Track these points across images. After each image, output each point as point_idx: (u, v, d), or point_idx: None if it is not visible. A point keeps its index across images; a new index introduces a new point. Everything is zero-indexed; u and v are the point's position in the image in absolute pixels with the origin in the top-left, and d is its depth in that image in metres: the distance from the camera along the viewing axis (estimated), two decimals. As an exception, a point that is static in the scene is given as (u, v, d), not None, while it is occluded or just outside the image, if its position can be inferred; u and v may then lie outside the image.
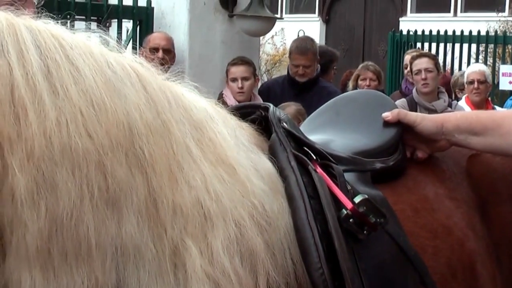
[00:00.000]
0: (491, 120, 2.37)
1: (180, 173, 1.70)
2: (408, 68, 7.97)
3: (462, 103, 7.95)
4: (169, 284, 1.62)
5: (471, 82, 8.08)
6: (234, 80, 6.37)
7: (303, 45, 7.17)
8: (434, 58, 7.65)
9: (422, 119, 2.37)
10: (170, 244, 1.64)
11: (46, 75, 1.56)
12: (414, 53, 8.20)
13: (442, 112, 6.66)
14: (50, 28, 1.66)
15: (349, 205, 1.91)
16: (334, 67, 8.54)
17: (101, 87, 1.62)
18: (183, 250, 1.65)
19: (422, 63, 7.11)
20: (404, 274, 2.05)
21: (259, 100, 6.08)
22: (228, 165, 1.80)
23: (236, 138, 1.91)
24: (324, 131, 2.36)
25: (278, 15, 12.68)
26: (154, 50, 6.30)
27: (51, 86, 1.55)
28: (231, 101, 6.08)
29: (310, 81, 6.88)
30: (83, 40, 1.71)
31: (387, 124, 2.36)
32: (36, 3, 2.43)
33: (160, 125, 1.70)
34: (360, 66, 8.11)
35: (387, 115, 2.36)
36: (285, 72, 7.58)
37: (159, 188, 1.65)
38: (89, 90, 1.60)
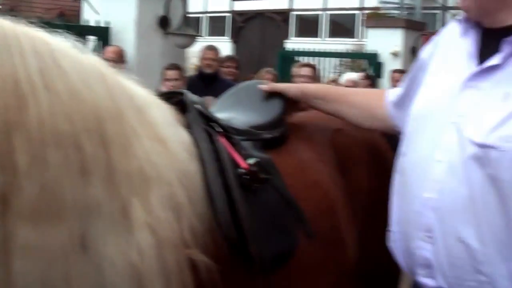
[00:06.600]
0: (340, 94, 2.27)
1: (129, 148, 1.60)
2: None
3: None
4: (119, 232, 1.53)
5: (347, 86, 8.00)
6: (168, 80, 6.18)
7: (210, 45, 7.10)
8: (314, 67, 7.37)
9: (289, 87, 2.30)
10: (120, 201, 1.54)
11: (42, 75, 1.45)
12: (299, 64, 8.13)
13: None
14: (42, 35, 1.55)
15: (244, 165, 1.84)
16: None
17: (79, 83, 1.53)
18: (130, 206, 1.55)
19: (305, 71, 6.89)
20: (284, 214, 1.97)
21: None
22: (161, 140, 1.71)
23: (165, 118, 1.81)
24: (228, 111, 2.24)
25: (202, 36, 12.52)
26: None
27: (44, 84, 1.45)
28: (166, 95, 5.89)
29: (214, 74, 6.64)
30: (63, 44, 1.60)
31: (273, 104, 2.26)
32: None
33: (116, 112, 1.60)
34: (262, 70, 7.92)
35: (264, 87, 2.30)
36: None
37: (116, 160, 1.55)
38: (71, 86, 1.50)
